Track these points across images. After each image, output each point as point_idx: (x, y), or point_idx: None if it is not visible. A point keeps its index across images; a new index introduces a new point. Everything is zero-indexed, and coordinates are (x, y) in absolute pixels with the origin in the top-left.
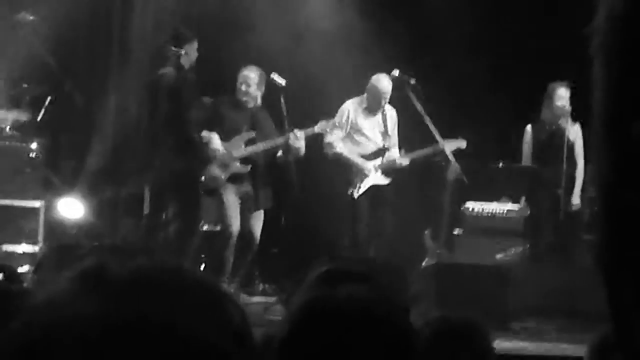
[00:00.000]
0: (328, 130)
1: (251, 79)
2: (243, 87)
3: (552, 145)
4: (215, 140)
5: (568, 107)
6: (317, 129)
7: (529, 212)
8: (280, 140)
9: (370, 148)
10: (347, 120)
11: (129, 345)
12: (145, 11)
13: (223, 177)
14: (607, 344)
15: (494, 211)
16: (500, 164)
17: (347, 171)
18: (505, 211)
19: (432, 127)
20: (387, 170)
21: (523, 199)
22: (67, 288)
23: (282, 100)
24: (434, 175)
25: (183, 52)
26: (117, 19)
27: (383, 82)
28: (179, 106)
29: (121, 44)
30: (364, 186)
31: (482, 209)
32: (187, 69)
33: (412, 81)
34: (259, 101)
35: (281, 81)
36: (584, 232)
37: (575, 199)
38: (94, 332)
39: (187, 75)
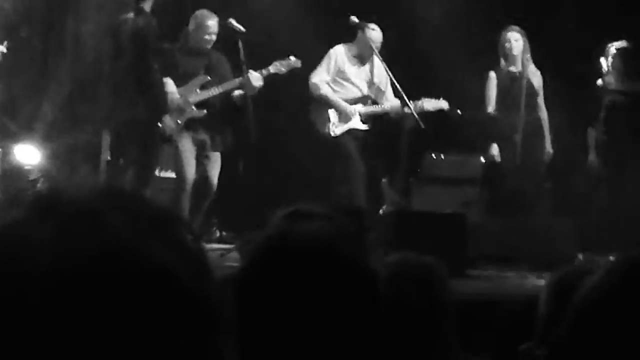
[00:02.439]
0: (283, 69)
1: (214, 27)
2: (207, 37)
3: (510, 91)
4: (170, 86)
5: (521, 52)
6: (272, 69)
7: (486, 160)
8: (235, 82)
9: (355, 94)
10: (334, 65)
11: (81, 269)
12: None
13: (179, 122)
14: (565, 281)
15: (451, 159)
16: (458, 112)
17: (328, 112)
18: (462, 159)
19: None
20: (366, 117)
21: (494, 147)
22: (21, 216)
23: (240, 45)
24: (391, 123)
25: None
26: None
27: (374, 33)
28: (142, 52)
29: None
30: (343, 128)
31: (440, 157)
32: (149, 14)
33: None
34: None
35: (240, 28)
36: (542, 180)
37: (549, 147)
38: (47, 258)
39: (150, 20)
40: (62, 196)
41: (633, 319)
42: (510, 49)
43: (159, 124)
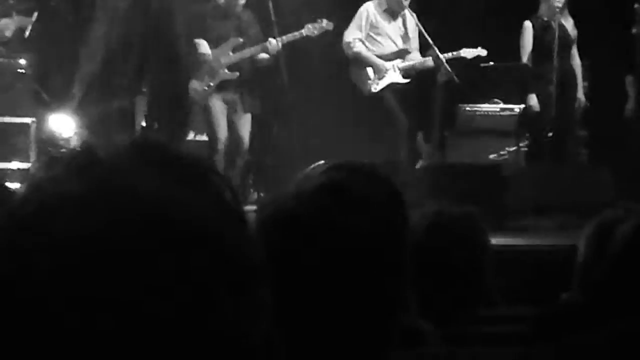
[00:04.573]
0: (316, 32)
1: None
2: (240, 1)
3: (544, 40)
4: (204, 47)
5: (563, 1)
6: (304, 31)
7: (525, 110)
8: (259, 48)
9: (390, 49)
10: (366, 21)
11: (115, 222)
12: None
13: (212, 84)
14: (604, 228)
15: (486, 111)
16: (491, 63)
17: (366, 70)
18: (498, 110)
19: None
20: (407, 71)
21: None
22: (57, 172)
23: (271, 5)
24: (425, 77)
25: None
26: None
27: None
28: (168, 20)
29: None
30: (383, 83)
31: (475, 109)
32: None
33: None
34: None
35: None
36: (578, 128)
37: (582, 95)
38: (82, 211)
39: None
40: (96, 152)
41: None
42: (559, 1)
43: (190, 88)
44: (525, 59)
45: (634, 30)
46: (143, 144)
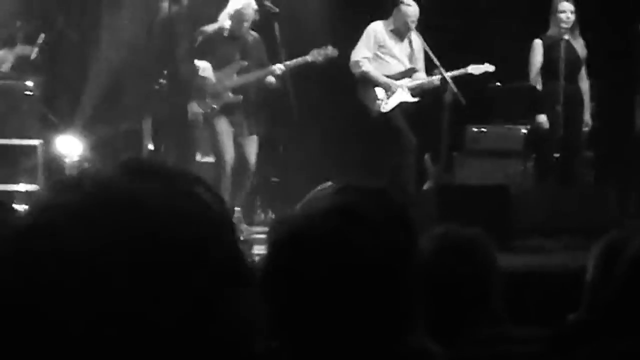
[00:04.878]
0: (320, 59)
1: (251, 13)
2: (243, 23)
3: (552, 59)
4: (207, 69)
5: (572, 20)
6: (309, 57)
7: (532, 130)
8: (263, 73)
9: (398, 69)
10: (374, 41)
11: (117, 239)
12: None
13: (215, 107)
14: (612, 249)
15: (493, 132)
16: (498, 84)
17: (374, 90)
18: (504, 131)
19: (431, 54)
20: (415, 91)
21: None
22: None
23: (276, 27)
24: (432, 98)
25: None
26: None
27: (409, 8)
28: (170, 39)
29: None
30: (392, 102)
31: (482, 130)
32: (185, 2)
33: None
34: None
35: (275, 9)
36: (584, 148)
37: (588, 117)
38: (86, 228)
39: (181, 9)
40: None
41: None
42: (567, 20)
43: (191, 110)
44: (533, 76)
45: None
46: (137, 162)
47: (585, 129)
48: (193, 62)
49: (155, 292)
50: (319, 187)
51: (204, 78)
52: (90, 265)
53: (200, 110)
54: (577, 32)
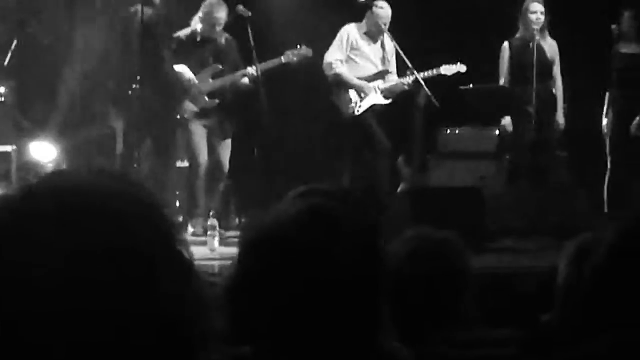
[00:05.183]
0: (295, 59)
1: (223, 18)
2: (217, 27)
3: (523, 61)
4: (187, 72)
5: (542, 21)
6: (283, 58)
7: (500, 133)
8: (239, 75)
9: (371, 70)
10: (347, 43)
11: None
12: None
13: (193, 110)
14: (583, 249)
15: (466, 134)
16: (471, 86)
17: (349, 93)
18: (477, 133)
19: (403, 55)
20: (388, 92)
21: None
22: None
23: (249, 30)
24: (405, 100)
25: None
26: None
27: (382, 11)
28: (154, 43)
29: None
30: (365, 105)
31: (454, 132)
32: (159, 5)
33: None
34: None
35: (247, 12)
36: (557, 149)
37: (561, 118)
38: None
39: (160, 10)
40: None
41: None
42: (537, 21)
43: (182, 111)
44: (502, 80)
45: (614, 49)
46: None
47: (557, 128)
48: (172, 65)
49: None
50: (291, 192)
51: (189, 80)
52: (57, 266)
53: (188, 112)
54: (546, 32)
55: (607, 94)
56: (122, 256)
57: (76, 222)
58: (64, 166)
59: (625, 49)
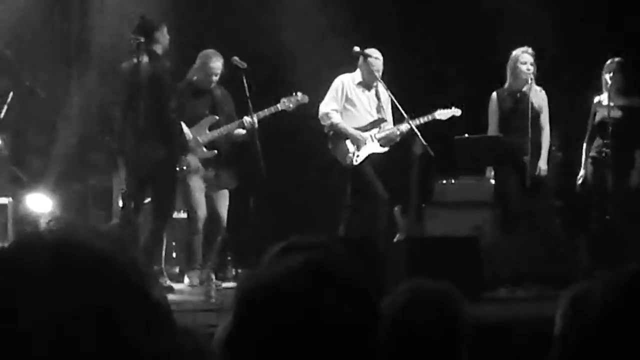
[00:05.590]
0: (291, 106)
1: (219, 67)
2: (212, 77)
3: (517, 112)
4: (183, 126)
5: (532, 71)
6: (280, 106)
7: (496, 182)
8: (235, 125)
9: (366, 120)
10: (342, 94)
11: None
12: (103, 3)
13: (192, 163)
14: (579, 299)
15: (461, 183)
16: (466, 136)
17: (345, 143)
18: (472, 182)
19: (397, 104)
20: (385, 141)
21: (490, 169)
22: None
23: (245, 81)
24: (401, 150)
25: (142, 39)
26: (74, 10)
27: (376, 61)
28: (159, 95)
29: (79, 35)
30: (363, 154)
31: (450, 182)
32: (161, 56)
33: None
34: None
35: (243, 64)
36: (551, 198)
37: (543, 164)
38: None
39: (164, 63)
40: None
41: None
42: (527, 72)
43: (181, 164)
44: (491, 130)
45: (596, 99)
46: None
47: (538, 175)
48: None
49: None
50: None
51: (183, 134)
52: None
53: (196, 162)
54: (533, 82)
55: (586, 144)
56: (93, 315)
57: (52, 280)
58: (59, 218)
59: (608, 100)
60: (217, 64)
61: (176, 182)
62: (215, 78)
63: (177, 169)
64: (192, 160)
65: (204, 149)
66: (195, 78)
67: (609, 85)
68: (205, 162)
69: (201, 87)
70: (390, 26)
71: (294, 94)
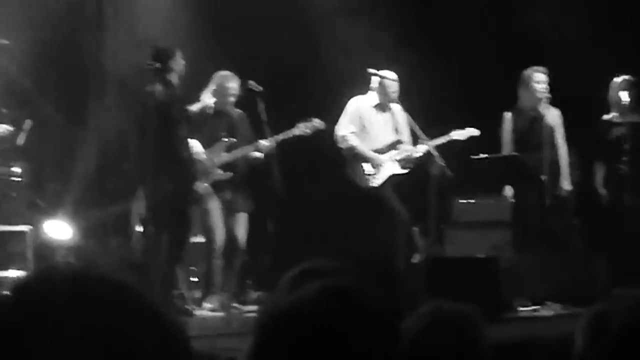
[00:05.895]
0: (308, 131)
1: (235, 89)
2: (228, 99)
3: (532, 131)
4: (197, 148)
5: (545, 89)
6: (296, 131)
7: (514, 201)
8: (250, 148)
9: (384, 141)
10: (358, 116)
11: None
12: (118, 30)
13: (206, 185)
14: (600, 318)
15: (480, 203)
16: (483, 155)
17: (362, 165)
18: (491, 202)
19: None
20: (404, 162)
21: (508, 188)
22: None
23: (260, 105)
24: (419, 171)
25: (158, 65)
26: (91, 38)
27: (391, 82)
28: (168, 123)
29: (97, 63)
30: (383, 176)
31: (469, 202)
32: (175, 86)
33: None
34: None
35: (259, 88)
36: (571, 216)
37: (567, 184)
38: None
39: (174, 91)
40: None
41: None
42: (541, 91)
43: (191, 192)
44: (505, 149)
45: (604, 117)
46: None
47: (565, 194)
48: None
49: None
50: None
51: (194, 155)
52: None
53: (202, 187)
54: (547, 101)
55: (598, 163)
56: (109, 346)
57: (69, 312)
58: (78, 247)
59: (618, 117)
60: (233, 84)
61: (189, 210)
62: (232, 99)
63: (188, 197)
64: (205, 182)
65: (219, 171)
66: (211, 100)
67: (622, 103)
68: (222, 185)
69: (218, 109)
70: (406, 46)
71: (310, 119)
